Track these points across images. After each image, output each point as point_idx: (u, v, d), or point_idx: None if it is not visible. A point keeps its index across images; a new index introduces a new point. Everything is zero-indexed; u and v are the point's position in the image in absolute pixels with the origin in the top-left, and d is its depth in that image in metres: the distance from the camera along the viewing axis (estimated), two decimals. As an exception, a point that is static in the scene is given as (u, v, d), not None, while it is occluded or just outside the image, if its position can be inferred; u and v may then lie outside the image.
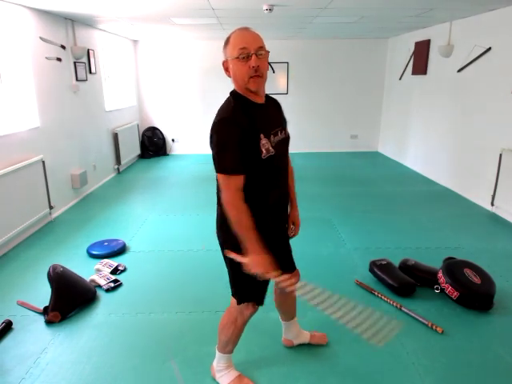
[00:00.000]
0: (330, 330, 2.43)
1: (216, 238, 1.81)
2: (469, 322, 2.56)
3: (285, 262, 1.94)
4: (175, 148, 8.35)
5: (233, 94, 1.65)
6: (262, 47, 1.55)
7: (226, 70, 1.62)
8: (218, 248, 1.85)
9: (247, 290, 1.80)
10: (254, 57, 1.52)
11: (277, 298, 2.15)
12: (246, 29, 1.59)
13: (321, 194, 5.32)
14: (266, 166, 1.60)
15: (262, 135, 1.57)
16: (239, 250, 1.62)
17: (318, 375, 2.12)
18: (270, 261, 1.59)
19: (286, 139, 1.76)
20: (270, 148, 1.59)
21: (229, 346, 1.97)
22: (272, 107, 1.77)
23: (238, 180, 1.54)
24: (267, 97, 1.75)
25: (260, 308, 1.87)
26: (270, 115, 1.72)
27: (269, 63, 1.66)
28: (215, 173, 1.58)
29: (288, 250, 1.99)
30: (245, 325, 1.93)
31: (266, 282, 1.81)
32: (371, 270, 3.09)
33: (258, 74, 1.55)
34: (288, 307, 2.20)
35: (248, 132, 1.54)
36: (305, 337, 2.32)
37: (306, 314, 2.51)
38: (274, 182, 1.70)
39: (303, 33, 6.79)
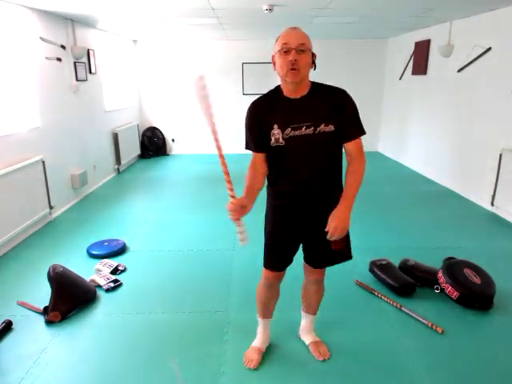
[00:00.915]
0: (330, 330, 2.44)
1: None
2: (469, 322, 2.56)
3: (309, 254, 2.04)
4: (175, 148, 8.36)
5: (276, 86, 1.86)
6: (303, 44, 1.70)
7: (274, 64, 1.79)
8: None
9: (264, 253, 2.03)
10: (293, 51, 1.68)
11: (302, 286, 2.25)
12: (293, 28, 1.75)
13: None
14: (274, 152, 1.82)
15: (275, 125, 1.77)
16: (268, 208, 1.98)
17: (318, 375, 2.12)
18: (240, 208, 1.76)
19: (314, 136, 1.76)
20: (280, 139, 1.78)
21: (258, 308, 2.21)
22: (313, 102, 1.79)
23: (253, 154, 1.89)
24: (320, 89, 1.84)
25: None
26: (301, 110, 1.77)
27: (313, 62, 1.80)
28: None
29: (315, 244, 1.97)
30: (265, 290, 2.12)
31: (277, 250, 1.98)
32: (371, 270, 3.09)
33: (295, 68, 1.69)
34: (305, 299, 2.27)
35: (262, 118, 1.80)
36: (307, 338, 2.32)
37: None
38: (286, 171, 1.86)
39: (303, 33, 6.78)
